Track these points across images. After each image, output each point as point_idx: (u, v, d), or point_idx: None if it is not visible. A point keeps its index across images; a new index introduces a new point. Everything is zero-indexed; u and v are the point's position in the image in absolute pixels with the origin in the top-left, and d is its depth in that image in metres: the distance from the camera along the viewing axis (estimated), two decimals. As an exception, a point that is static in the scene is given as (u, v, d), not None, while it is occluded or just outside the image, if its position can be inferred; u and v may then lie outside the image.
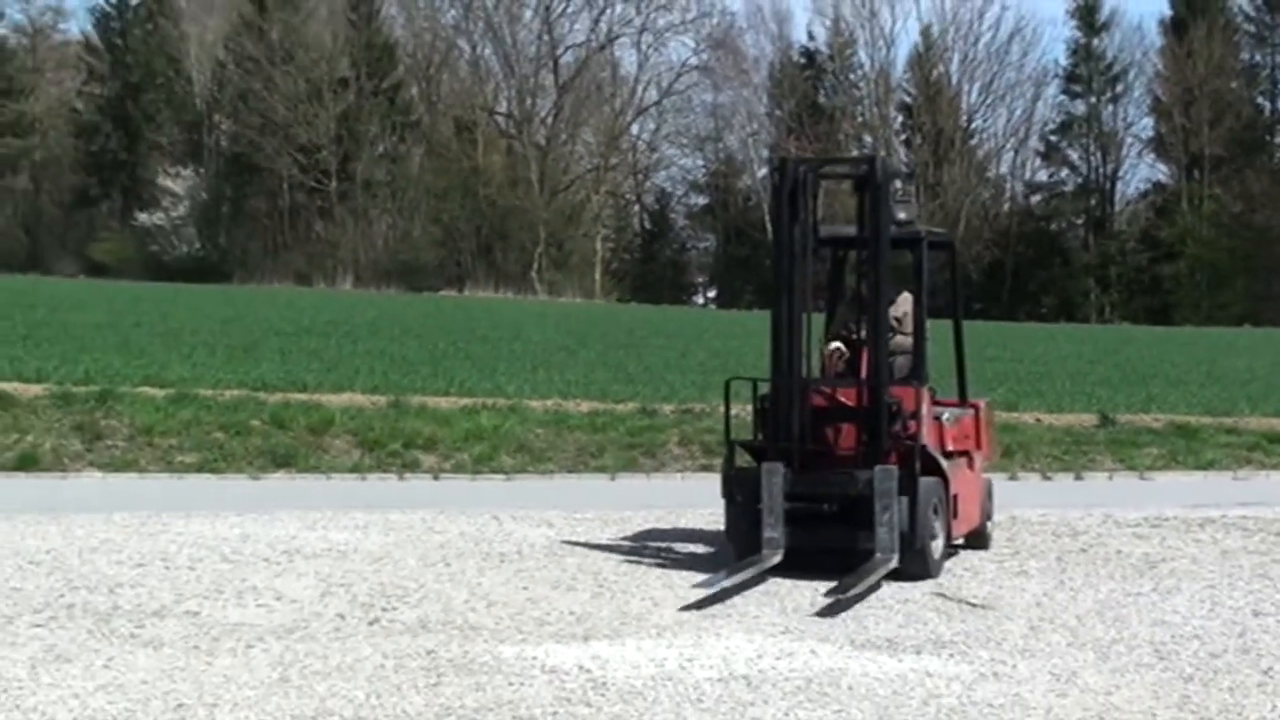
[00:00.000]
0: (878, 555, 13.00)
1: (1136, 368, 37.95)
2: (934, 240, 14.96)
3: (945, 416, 14.23)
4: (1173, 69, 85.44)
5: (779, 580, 13.00)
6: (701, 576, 12.88)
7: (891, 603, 12.22)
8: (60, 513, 15.96)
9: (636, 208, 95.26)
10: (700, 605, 11.93)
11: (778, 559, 13.28)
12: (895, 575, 13.12)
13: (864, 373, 13.76)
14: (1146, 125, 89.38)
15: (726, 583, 12.70)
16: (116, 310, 42.37)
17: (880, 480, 13.08)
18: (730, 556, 13.78)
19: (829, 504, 13.55)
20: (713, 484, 14.55)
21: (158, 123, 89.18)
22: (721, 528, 14.43)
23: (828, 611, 11.76)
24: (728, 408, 14.36)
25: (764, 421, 13.84)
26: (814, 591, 12.50)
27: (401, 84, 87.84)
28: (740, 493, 13.75)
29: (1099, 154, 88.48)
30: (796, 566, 13.28)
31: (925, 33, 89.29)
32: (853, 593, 12.26)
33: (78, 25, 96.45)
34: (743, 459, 14.14)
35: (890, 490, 13.04)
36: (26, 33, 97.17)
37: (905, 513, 13.13)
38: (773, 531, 13.33)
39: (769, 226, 14.81)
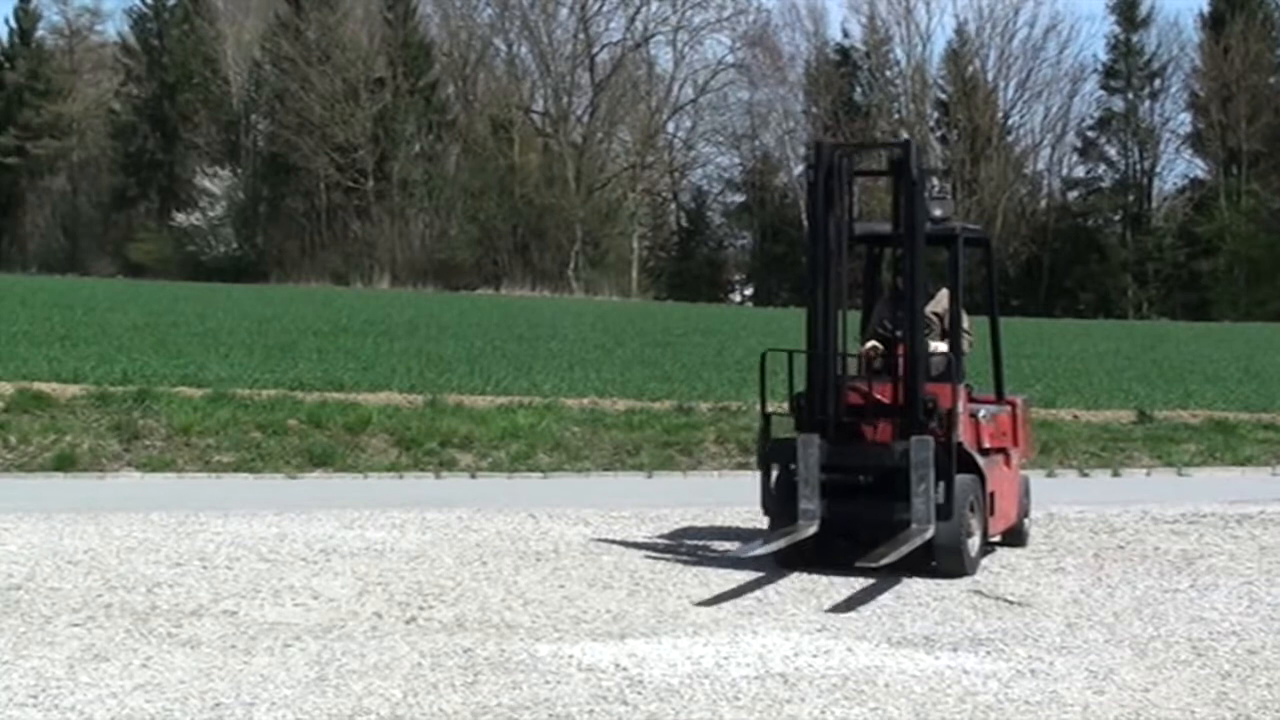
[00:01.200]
0: (913, 526, 13.00)
1: (1174, 364, 37.82)
2: (970, 236, 14.94)
3: (982, 414, 14.20)
4: (1210, 65, 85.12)
5: (815, 577, 13.00)
6: (739, 576, 12.92)
7: (928, 600, 12.21)
8: (98, 512, 16.02)
9: (673, 206, 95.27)
10: (713, 602, 11.98)
11: (813, 530, 13.27)
12: (932, 572, 13.13)
13: (900, 370, 13.74)
14: (1184, 121, 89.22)
15: (765, 549, 12.78)
16: (154, 310, 42.51)
17: (916, 451, 13.08)
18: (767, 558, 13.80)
19: (865, 475, 13.58)
20: (750, 483, 14.55)
21: (195, 123, 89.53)
22: (759, 525, 14.43)
23: (850, 605, 11.76)
24: (763, 379, 14.30)
25: (799, 419, 13.82)
26: (850, 589, 12.50)
27: (438, 83, 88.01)
28: (776, 464, 13.76)
29: (1137, 150, 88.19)
30: (832, 564, 13.29)
31: (961, 29, 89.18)
32: (884, 561, 12.33)
33: (114, 26, 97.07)
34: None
35: (926, 461, 13.03)
36: (64, 34, 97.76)
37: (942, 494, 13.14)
38: (809, 503, 13.34)
39: (806, 223, 14.84)
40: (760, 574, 13.15)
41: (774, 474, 13.86)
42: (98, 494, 17.93)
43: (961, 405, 13.60)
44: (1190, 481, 21.66)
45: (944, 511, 13.08)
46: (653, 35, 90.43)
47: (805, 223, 14.92)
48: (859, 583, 12.75)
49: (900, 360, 13.75)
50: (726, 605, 11.82)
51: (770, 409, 14.33)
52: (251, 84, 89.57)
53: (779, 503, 13.71)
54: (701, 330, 46.08)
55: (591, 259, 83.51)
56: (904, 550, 12.66)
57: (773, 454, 13.87)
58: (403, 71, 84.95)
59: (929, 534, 13.00)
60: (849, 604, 11.97)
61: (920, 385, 13.33)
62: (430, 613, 11.35)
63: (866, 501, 13.57)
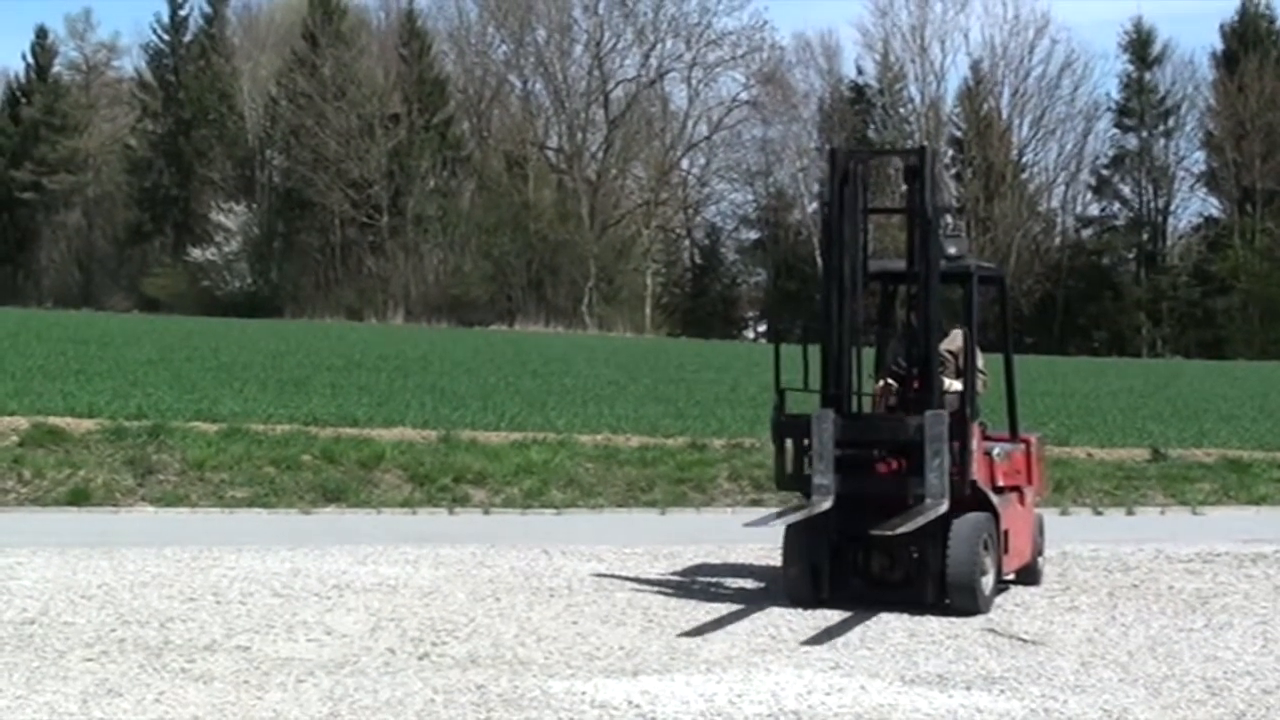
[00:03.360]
0: (928, 500, 13.00)
1: (1188, 402, 37.75)
2: (984, 274, 14.94)
3: (996, 452, 14.19)
4: (1225, 103, 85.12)
5: (828, 614, 12.98)
6: (751, 612, 12.92)
7: (942, 638, 12.19)
8: (112, 547, 16.03)
9: (687, 242, 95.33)
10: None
11: (827, 505, 13.25)
12: (946, 610, 13.11)
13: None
14: (1198, 159, 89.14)
15: (776, 522, 13.06)
16: (168, 345, 42.54)
17: (931, 425, 13.08)
18: (778, 592, 13.79)
19: (879, 450, 13.59)
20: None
21: (210, 158, 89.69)
22: (773, 562, 14.40)
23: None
24: (777, 353, 14.23)
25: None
26: (864, 628, 12.48)
27: (452, 119, 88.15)
28: (791, 439, 13.74)
29: (1151, 188, 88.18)
30: (847, 599, 13.28)
31: (975, 67, 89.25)
32: (899, 530, 12.48)
33: (131, 62, 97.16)
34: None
35: (941, 435, 13.04)
36: (80, 70, 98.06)
37: (956, 547, 13.15)
38: (822, 478, 13.32)
39: (819, 260, 14.86)
40: (773, 610, 13.13)
41: (788, 449, 13.85)
42: (111, 528, 17.94)
43: (976, 443, 13.59)
44: (1205, 520, 21.61)
45: (958, 488, 13.11)
46: (667, 72, 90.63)
47: (819, 260, 14.96)
48: (872, 620, 12.74)
49: (914, 398, 13.75)
50: (740, 643, 11.80)
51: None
52: (267, 120, 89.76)
53: (792, 479, 13.71)
54: (715, 367, 46.07)
55: (605, 295, 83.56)
56: (919, 522, 12.74)
57: (787, 429, 13.84)
58: (418, 108, 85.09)
59: (943, 508, 13.00)
60: (862, 643, 11.95)
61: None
62: (443, 649, 11.35)
63: (880, 476, 13.64)
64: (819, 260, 13.74)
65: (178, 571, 14.65)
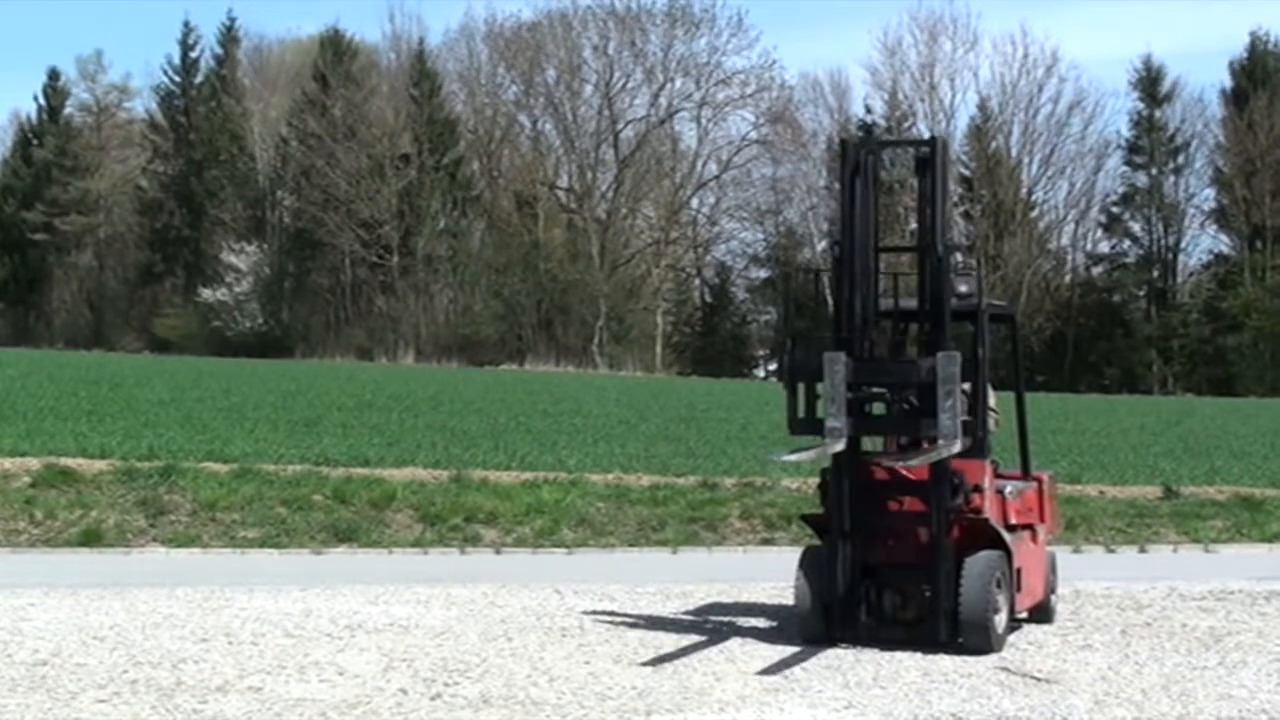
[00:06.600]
0: (940, 441, 13.00)
1: (1200, 439, 37.69)
2: (995, 312, 14.94)
3: (1008, 490, 14.18)
4: (1234, 140, 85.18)
5: (841, 653, 12.96)
6: (764, 651, 12.89)
7: (955, 677, 12.16)
8: (124, 588, 16.03)
9: (697, 281, 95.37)
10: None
11: (840, 446, 13.25)
12: (959, 649, 13.08)
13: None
14: (1208, 196, 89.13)
15: (792, 458, 13.23)
16: (180, 386, 42.58)
17: (943, 366, 13.08)
18: (791, 630, 13.77)
19: (891, 392, 13.64)
20: (775, 558, 14.49)
21: (221, 199, 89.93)
22: (785, 601, 14.38)
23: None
24: (789, 297, 14.29)
25: (823, 493, 13.81)
26: (877, 667, 12.45)
27: (463, 159, 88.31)
28: (803, 382, 13.73)
29: (1161, 225, 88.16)
30: (860, 638, 13.26)
31: (983, 105, 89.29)
32: (914, 463, 12.77)
33: (142, 104, 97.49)
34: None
35: (953, 376, 13.05)
36: (92, 111, 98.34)
37: (968, 585, 13.14)
38: (835, 420, 13.31)
39: (829, 298, 14.79)
40: (786, 649, 13.11)
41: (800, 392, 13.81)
42: (123, 569, 17.94)
43: (988, 481, 13.58)
44: (1217, 558, 21.57)
45: (970, 428, 13.14)
46: (677, 112, 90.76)
47: (829, 298, 15.00)
48: (885, 659, 12.71)
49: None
50: (753, 682, 11.78)
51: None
52: (278, 160, 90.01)
53: (805, 421, 13.72)
54: (725, 405, 46.04)
55: (615, 334, 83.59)
56: (933, 458, 12.88)
57: (798, 372, 13.83)
58: (428, 148, 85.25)
59: (956, 448, 13.01)
60: (875, 682, 11.91)
61: (947, 461, 13.32)
62: (455, 689, 11.33)
63: (893, 418, 13.72)
64: (828, 298, 13.70)
65: (189, 612, 14.64)
